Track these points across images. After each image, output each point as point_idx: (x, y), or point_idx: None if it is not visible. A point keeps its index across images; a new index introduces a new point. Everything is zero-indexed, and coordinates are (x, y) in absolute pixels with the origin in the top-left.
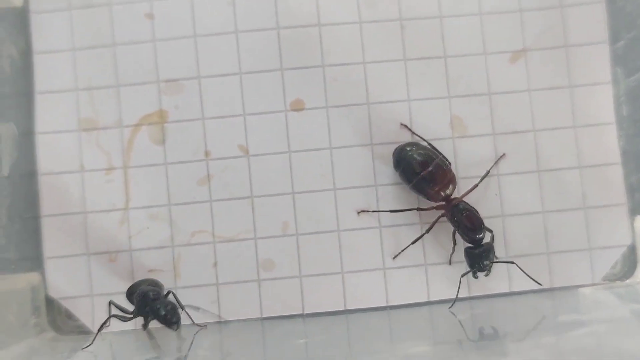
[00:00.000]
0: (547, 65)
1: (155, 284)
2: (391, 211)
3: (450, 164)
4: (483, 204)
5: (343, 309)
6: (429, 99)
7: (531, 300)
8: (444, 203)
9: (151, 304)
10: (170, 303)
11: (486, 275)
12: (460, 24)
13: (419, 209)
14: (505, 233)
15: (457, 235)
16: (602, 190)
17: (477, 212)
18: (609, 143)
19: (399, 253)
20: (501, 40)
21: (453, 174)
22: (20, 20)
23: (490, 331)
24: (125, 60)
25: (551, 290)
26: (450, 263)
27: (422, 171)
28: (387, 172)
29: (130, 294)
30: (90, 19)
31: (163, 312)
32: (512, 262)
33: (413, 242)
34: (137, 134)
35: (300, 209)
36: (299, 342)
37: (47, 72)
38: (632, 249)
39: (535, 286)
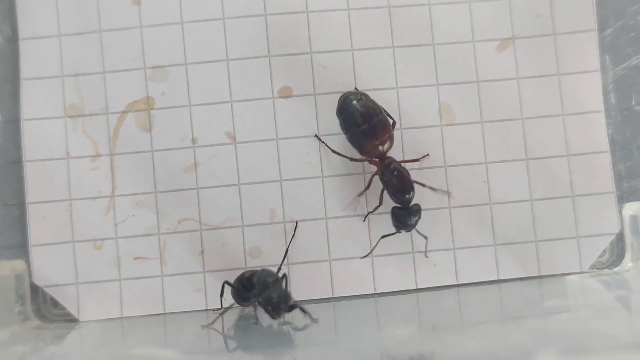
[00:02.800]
0: (535, 53)
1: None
2: (333, 151)
3: (394, 123)
4: (471, 191)
5: (330, 296)
6: (418, 86)
7: (518, 288)
8: (377, 160)
9: (267, 290)
10: (285, 291)
11: (408, 231)
12: (449, 11)
13: (352, 159)
14: (494, 221)
15: (385, 196)
16: (590, 178)
17: (409, 174)
18: (597, 131)
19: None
20: (489, 28)
21: (392, 133)
22: (6, 5)
23: (476, 316)
24: (111, 46)
25: (539, 278)
26: (365, 220)
27: (363, 124)
28: None
29: (246, 279)
30: (76, 5)
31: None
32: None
33: (359, 195)
34: (124, 121)
35: (288, 196)
36: (284, 328)
37: (32, 59)
38: (619, 237)
39: (523, 274)
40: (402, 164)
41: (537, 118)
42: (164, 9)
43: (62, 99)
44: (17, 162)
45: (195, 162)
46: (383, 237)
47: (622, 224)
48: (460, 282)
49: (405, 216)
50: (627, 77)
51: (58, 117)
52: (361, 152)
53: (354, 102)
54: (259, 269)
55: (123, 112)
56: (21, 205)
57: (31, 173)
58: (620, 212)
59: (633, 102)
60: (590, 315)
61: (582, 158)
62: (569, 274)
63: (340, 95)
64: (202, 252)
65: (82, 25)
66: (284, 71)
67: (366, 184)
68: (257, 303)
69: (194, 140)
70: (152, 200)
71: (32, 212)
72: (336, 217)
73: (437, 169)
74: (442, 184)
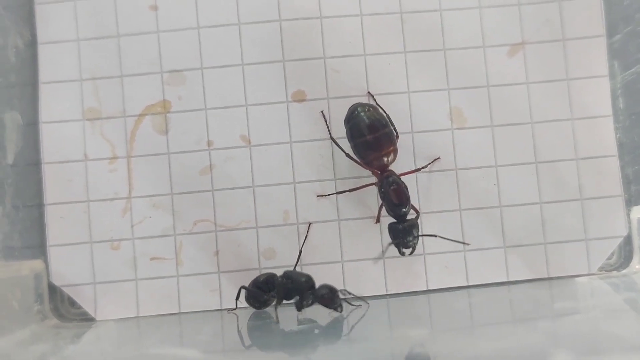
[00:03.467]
0: (544, 58)
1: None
2: (346, 154)
3: (397, 136)
4: (482, 194)
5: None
6: (429, 90)
7: (528, 289)
8: (378, 172)
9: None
10: (329, 285)
11: (410, 253)
12: (460, 17)
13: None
14: (503, 223)
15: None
16: (599, 181)
17: (406, 189)
18: (605, 135)
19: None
20: (500, 33)
21: (396, 148)
22: (25, 11)
23: (486, 318)
24: (129, 51)
25: (548, 280)
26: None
27: (368, 135)
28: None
29: (263, 282)
30: (94, 10)
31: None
32: (435, 235)
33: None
34: (141, 124)
35: (301, 198)
36: (298, 328)
37: (51, 63)
38: (627, 239)
39: (532, 275)
40: (402, 176)
41: (547, 122)
42: (180, 14)
43: (81, 102)
44: (36, 164)
45: (210, 165)
46: (389, 244)
47: (630, 227)
48: (470, 284)
49: (402, 232)
50: (635, 82)
51: (76, 120)
52: (364, 162)
53: (362, 113)
54: (272, 271)
55: (140, 115)
56: (40, 206)
57: (50, 175)
58: (628, 215)
59: None
60: (600, 316)
61: (591, 162)
62: (578, 275)
63: (352, 103)
64: (217, 252)
65: (99, 30)
66: (298, 76)
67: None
68: (275, 304)
69: (209, 143)
70: (168, 201)
71: (50, 213)
72: (348, 219)
73: (448, 172)
74: (453, 186)
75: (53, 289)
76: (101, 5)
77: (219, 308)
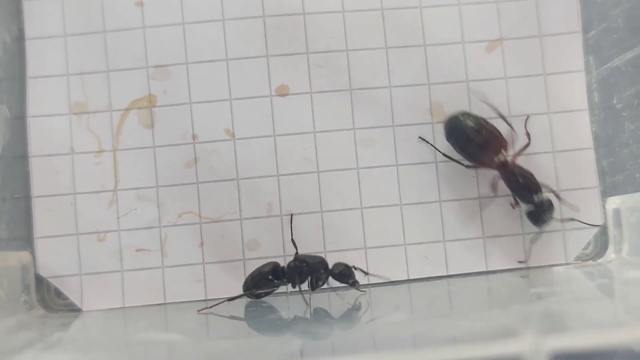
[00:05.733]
0: (522, 54)
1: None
2: (443, 154)
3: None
4: (461, 186)
5: (326, 287)
6: (410, 85)
7: (506, 278)
8: (499, 168)
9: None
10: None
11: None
12: (439, 14)
13: (467, 166)
14: (482, 214)
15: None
16: (575, 173)
17: (532, 175)
18: (581, 129)
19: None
20: (478, 29)
21: (504, 139)
22: (13, 6)
23: (464, 304)
24: (115, 46)
25: (526, 269)
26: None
27: (475, 138)
28: (368, 156)
29: (271, 271)
30: (81, 6)
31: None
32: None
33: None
34: (127, 118)
35: (285, 191)
36: (283, 316)
37: (39, 57)
38: (603, 230)
39: (510, 265)
40: (518, 158)
41: (524, 116)
42: (166, 10)
43: (67, 96)
44: (23, 157)
45: (195, 158)
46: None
47: (605, 217)
48: (450, 274)
49: (540, 214)
50: (610, 77)
51: (63, 114)
52: (482, 164)
53: (462, 120)
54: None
55: (126, 109)
56: (27, 198)
57: (37, 168)
58: (603, 206)
59: (615, 101)
60: (571, 299)
61: (567, 154)
62: (555, 265)
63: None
64: (202, 244)
65: (86, 25)
66: (282, 70)
67: (491, 189)
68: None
69: (194, 137)
70: (153, 194)
71: (37, 205)
72: (331, 211)
73: (429, 164)
74: (433, 179)
75: (40, 280)
76: (88, 1)
77: (204, 298)
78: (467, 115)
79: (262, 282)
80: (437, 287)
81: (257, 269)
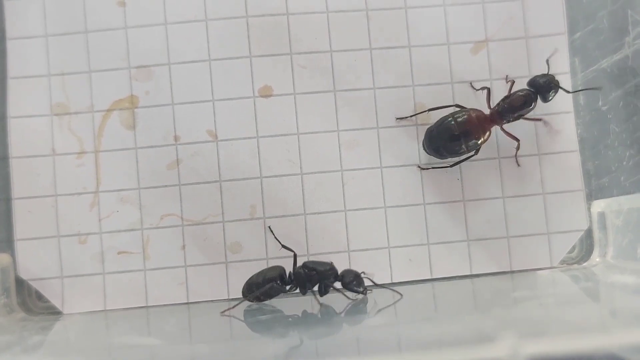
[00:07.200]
0: (508, 55)
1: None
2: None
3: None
4: (445, 188)
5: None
6: (394, 87)
7: (490, 281)
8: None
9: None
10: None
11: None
12: (425, 14)
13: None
14: (467, 217)
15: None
16: (560, 176)
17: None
18: (566, 131)
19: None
20: (464, 31)
21: (473, 113)
22: None
23: (449, 308)
24: (97, 46)
25: (511, 272)
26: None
27: (456, 130)
28: (352, 158)
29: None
30: (63, 6)
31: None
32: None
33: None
34: (108, 119)
35: (268, 193)
36: (263, 318)
37: (20, 58)
38: (588, 233)
39: (495, 269)
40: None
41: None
42: (148, 10)
43: (49, 97)
44: (3, 159)
45: (177, 159)
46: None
47: (590, 221)
48: (434, 277)
49: (543, 87)
50: (595, 79)
51: (44, 115)
52: (483, 135)
53: (435, 129)
54: (277, 265)
55: (108, 110)
56: (7, 200)
57: (17, 169)
58: (589, 209)
59: (600, 104)
60: (553, 303)
61: (553, 157)
62: (540, 269)
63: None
64: (184, 247)
65: (68, 25)
66: (265, 71)
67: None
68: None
69: (176, 138)
70: (135, 196)
71: (17, 207)
72: (315, 213)
73: (411, 167)
74: (417, 182)
75: (20, 283)
76: (70, 1)
77: (186, 301)
78: (436, 124)
79: (273, 289)
80: (421, 290)
81: (261, 273)
